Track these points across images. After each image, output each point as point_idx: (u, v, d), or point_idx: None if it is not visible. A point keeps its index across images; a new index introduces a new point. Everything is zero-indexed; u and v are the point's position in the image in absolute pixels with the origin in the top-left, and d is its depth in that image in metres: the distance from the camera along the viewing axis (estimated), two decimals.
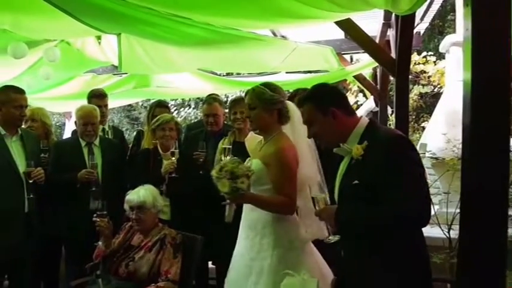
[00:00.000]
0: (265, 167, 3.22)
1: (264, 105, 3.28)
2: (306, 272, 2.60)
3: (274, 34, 6.53)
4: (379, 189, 2.38)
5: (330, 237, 2.68)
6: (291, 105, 3.39)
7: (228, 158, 3.45)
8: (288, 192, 3.17)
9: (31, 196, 4.13)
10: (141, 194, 3.82)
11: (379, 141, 2.47)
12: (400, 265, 2.43)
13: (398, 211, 2.34)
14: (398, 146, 2.44)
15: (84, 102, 5.34)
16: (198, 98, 13.78)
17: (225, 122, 5.22)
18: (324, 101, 2.62)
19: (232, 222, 3.65)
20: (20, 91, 4.22)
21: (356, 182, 2.48)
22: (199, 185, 4.42)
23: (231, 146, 4.39)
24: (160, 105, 5.42)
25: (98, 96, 5.49)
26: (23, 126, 4.52)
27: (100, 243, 3.84)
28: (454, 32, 7.77)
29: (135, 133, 6.13)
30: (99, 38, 5.78)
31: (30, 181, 4.10)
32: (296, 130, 3.30)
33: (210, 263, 5.07)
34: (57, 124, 15.68)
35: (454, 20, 9.32)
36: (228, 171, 3.02)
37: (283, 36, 6.49)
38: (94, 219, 3.76)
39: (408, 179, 2.35)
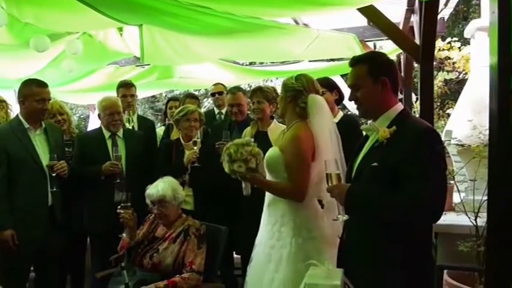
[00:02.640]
0: (282, 154, 3.28)
1: (287, 94, 3.40)
2: (330, 262, 2.58)
3: (297, 22, 6.48)
4: (399, 176, 2.36)
5: (339, 216, 2.66)
6: (320, 99, 3.41)
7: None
8: (296, 179, 3.24)
9: (54, 189, 4.17)
10: (160, 187, 3.82)
11: (409, 130, 2.44)
12: (405, 236, 2.43)
13: (417, 201, 2.32)
14: (428, 138, 2.42)
15: (107, 94, 5.36)
16: None
17: (248, 113, 5.22)
18: (379, 68, 2.57)
19: (255, 210, 3.63)
20: (42, 84, 4.24)
21: (375, 164, 2.47)
22: (220, 174, 4.43)
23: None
24: (191, 97, 5.49)
25: (124, 86, 5.61)
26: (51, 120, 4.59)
27: (124, 235, 3.86)
28: (479, 16, 7.60)
29: (162, 126, 6.16)
30: (120, 29, 5.79)
31: (53, 174, 4.14)
32: (323, 124, 3.33)
33: (234, 252, 5.08)
34: (82, 117, 15.83)
35: (478, 5, 9.14)
36: (228, 154, 3.26)
37: (305, 24, 6.44)
38: (118, 211, 3.78)
39: (432, 173, 2.34)
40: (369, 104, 2.61)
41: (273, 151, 3.34)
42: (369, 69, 2.56)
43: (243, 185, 3.46)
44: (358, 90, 2.60)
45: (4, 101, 5.10)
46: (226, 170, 3.31)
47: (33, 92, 4.16)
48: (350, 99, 2.69)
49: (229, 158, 3.24)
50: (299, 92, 3.35)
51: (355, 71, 2.63)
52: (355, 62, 2.66)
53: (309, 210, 3.28)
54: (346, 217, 2.64)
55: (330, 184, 2.66)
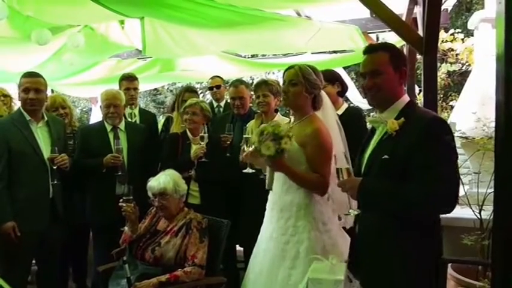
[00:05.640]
0: (301, 147, 3.20)
1: (307, 85, 3.27)
2: (335, 256, 2.57)
3: (299, 14, 6.44)
4: (410, 167, 2.38)
5: (350, 210, 2.68)
6: (324, 94, 3.42)
7: (249, 148, 3.40)
8: (323, 172, 3.17)
9: (55, 182, 4.16)
10: (161, 180, 3.81)
11: (418, 121, 2.45)
12: (414, 230, 2.45)
13: (430, 192, 2.33)
14: (437, 129, 2.43)
15: (109, 87, 5.35)
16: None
17: (251, 105, 5.20)
18: (400, 58, 2.61)
19: (260, 204, 3.60)
20: (29, 74, 4.22)
21: (386, 156, 2.48)
22: (226, 168, 4.42)
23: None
24: (189, 90, 5.48)
25: (127, 79, 5.56)
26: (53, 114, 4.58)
27: (126, 228, 3.85)
28: (482, 8, 7.56)
29: (162, 119, 6.14)
30: (122, 22, 5.79)
31: (54, 167, 4.12)
32: (327, 119, 3.33)
33: (237, 245, 5.08)
34: (84, 110, 15.84)
35: None
36: (270, 133, 3.01)
37: (307, 17, 6.39)
38: (120, 204, 3.76)
39: (443, 163, 2.36)
40: (386, 92, 2.60)
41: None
42: (391, 57, 2.57)
43: (267, 179, 3.38)
44: (378, 76, 2.58)
45: (9, 96, 5.11)
46: (271, 151, 3.00)
47: (20, 82, 4.17)
48: (366, 86, 2.64)
49: (275, 136, 3.01)
50: (320, 90, 3.34)
51: (376, 57, 2.61)
52: (373, 49, 2.66)
53: (322, 203, 3.26)
54: (357, 211, 2.64)
55: (340, 179, 2.66)
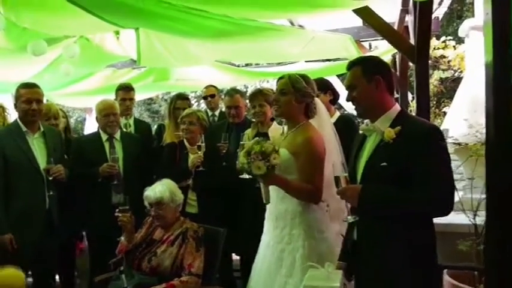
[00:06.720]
0: (293, 156, 3.20)
1: (297, 94, 3.26)
2: (331, 264, 2.59)
3: (292, 24, 6.50)
4: (409, 174, 2.46)
5: (349, 217, 2.71)
6: (319, 102, 3.41)
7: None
8: (315, 181, 3.15)
9: (51, 193, 4.18)
10: (157, 190, 3.81)
11: (415, 129, 2.54)
12: (409, 237, 2.51)
13: (431, 196, 2.43)
14: (435, 136, 2.53)
15: (104, 97, 5.37)
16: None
17: (246, 114, 5.24)
18: (372, 68, 2.68)
19: (257, 212, 3.61)
20: (29, 85, 4.25)
21: (384, 164, 2.54)
22: (223, 177, 4.45)
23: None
24: (181, 98, 5.43)
25: (124, 89, 5.57)
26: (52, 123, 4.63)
27: (122, 238, 3.86)
28: (473, 15, 7.64)
29: (155, 127, 6.15)
30: (117, 32, 5.80)
31: (50, 178, 4.14)
32: (322, 127, 3.33)
33: (233, 254, 5.09)
34: (78, 119, 15.82)
35: (472, 4, 9.18)
36: (257, 152, 2.97)
37: (300, 26, 6.45)
38: (116, 214, 3.77)
39: (442, 168, 2.46)
40: (365, 103, 2.70)
41: (282, 153, 3.18)
42: (363, 69, 2.68)
43: (263, 194, 3.37)
44: (354, 90, 2.70)
45: (1, 106, 5.11)
46: (262, 170, 2.95)
47: (20, 94, 4.18)
48: (347, 100, 2.78)
49: (263, 155, 2.95)
50: (312, 98, 3.33)
51: (351, 73, 2.74)
52: (351, 65, 2.77)
53: (318, 211, 3.23)
54: (355, 218, 2.68)
55: (339, 187, 2.70)
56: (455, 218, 4.54)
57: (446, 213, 2.51)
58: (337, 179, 2.70)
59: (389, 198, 2.55)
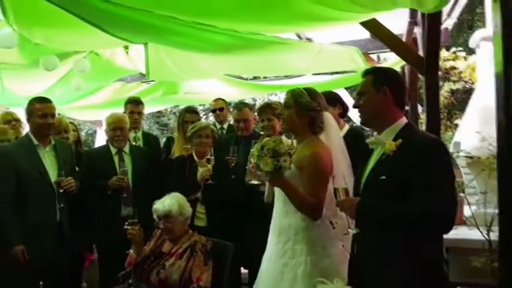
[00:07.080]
0: (298, 170, 3.16)
1: (298, 107, 3.22)
2: (339, 280, 2.56)
3: (299, 37, 6.50)
4: (409, 188, 2.41)
5: (349, 230, 2.69)
6: (328, 116, 3.35)
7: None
8: (318, 195, 3.10)
9: (62, 206, 4.21)
10: (166, 203, 3.82)
11: (416, 143, 2.51)
12: (413, 252, 2.45)
13: (426, 211, 2.37)
14: (436, 150, 2.50)
15: (114, 110, 5.42)
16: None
17: (254, 127, 5.24)
18: (382, 79, 2.69)
19: (266, 226, 3.59)
20: (44, 100, 4.30)
21: (383, 177, 2.53)
22: (232, 190, 4.44)
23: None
24: (190, 111, 5.43)
25: (133, 102, 5.64)
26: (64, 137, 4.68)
27: (131, 251, 3.86)
28: (484, 25, 7.59)
29: (164, 140, 6.17)
30: (126, 47, 5.86)
31: (61, 190, 4.16)
32: (330, 141, 3.28)
33: (242, 268, 5.07)
34: (89, 132, 15.90)
35: (483, 13, 9.14)
36: (270, 149, 2.97)
37: (308, 39, 6.45)
38: (125, 227, 3.78)
39: (441, 182, 2.40)
40: (369, 111, 2.72)
41: None
42: (374, 78, 2.71)
43: (266, 192, 3.35)
44: (362, 97, 2.73)
45: (18, 120, 5.17)
46: (268, 167, 2.97)
47: (35, 108, 4.22)
48: (354, 106, 2.84)
49: (274, 153, 2.96)
50: (317, 112, 3.26)
51: (364, 80, 2.77)
52: (365, 73, 2.81)
53: (322, 227, 3.18)
54: (356, 231, 2.65)
55: (338, 199, 2.70)
56: (469, 233, 4.47)
57: (445, 229, 2.48)
58: (336, 191, 2.71)
59: (383, 212, 2.53)
